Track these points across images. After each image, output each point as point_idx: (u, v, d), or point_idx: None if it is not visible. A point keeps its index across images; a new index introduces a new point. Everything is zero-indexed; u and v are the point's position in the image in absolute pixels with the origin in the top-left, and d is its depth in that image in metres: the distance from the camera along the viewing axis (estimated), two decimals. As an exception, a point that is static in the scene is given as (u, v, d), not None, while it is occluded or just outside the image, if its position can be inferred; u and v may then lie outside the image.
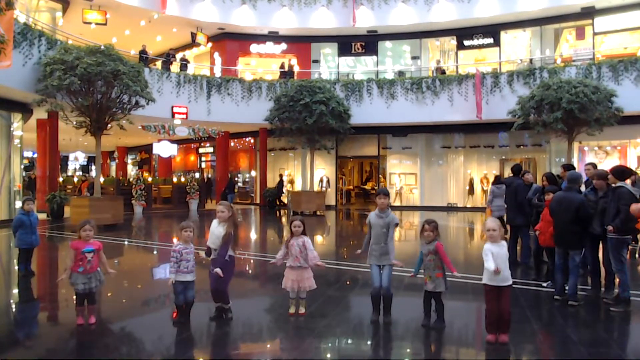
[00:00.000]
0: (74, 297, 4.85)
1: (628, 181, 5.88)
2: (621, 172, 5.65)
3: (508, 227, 8.14)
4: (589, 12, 17.51)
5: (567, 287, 5.57)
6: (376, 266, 4.78)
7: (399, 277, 6.71)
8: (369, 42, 21.15)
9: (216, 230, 4.77)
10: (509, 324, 4.22)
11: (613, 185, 5.57)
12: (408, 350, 4.35)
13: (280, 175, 21.66)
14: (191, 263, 4.74)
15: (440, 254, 4.55)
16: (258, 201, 21.49)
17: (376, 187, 22.45)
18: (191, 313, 4.82)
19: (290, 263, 4.92)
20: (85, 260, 4.71)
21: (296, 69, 20.95)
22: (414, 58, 21.04)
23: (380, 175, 21.65)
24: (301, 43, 21.32)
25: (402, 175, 20.77)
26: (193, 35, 19.99)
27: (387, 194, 4.82)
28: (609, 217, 5.46)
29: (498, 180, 12.01)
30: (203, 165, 26.74)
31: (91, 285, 4.74)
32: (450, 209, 19.32)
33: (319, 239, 12.37)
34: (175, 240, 11.74)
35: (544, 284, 6.34)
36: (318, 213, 17.59)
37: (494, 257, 4.20)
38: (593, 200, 5.79)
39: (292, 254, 4.89)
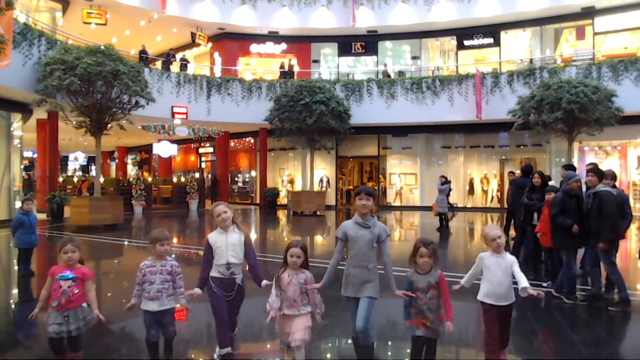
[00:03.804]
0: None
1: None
2: (602, 172, 5.57)
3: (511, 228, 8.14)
4: (589, 12, 17.52)
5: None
6: (352, 300, 3.47)
7: (398, 278, 6.69)
8: (369, 42, 21.16)
9: (230, 238, 3.62)
10: (508, 342, 3.67)
11: (593, 188, 5.50)
12: (408, 350, 4.34)
13: (215, 176, 21.89)
14: (154, 287, 3.55)
15: (442, 289, 3.32)
16: (258, 201, 21.48)
17: (376, 187, 22.46)
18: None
19: (284, 310, 3.41)
20: (59, 291, 3.39)
21: (296, 69, 20.95)
22: (414, 58, 21.04)
23: (380, 175, 21.65)
24: (301, 43, 21.32)
25: (402, 175, 20.77)
26: (193, 35, 20.00)
27: (371, 194, 3.42)
28: (593, 224, 5.40)
29: (446, 180, 12.68)
30: (203, 165, 26.74)
31: (69, 328, 3.42)
32: (450, 209, 19.27)
33: (319, 239, 12.37)
34: (175, 240, 11.72)
35: (544, 284, 6.34)
36: (318, 213, 17.59)
37: (490, 270, 3.50)
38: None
39: (288, 297, 3.39)
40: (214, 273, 3.65)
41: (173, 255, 3.88)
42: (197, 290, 3.59)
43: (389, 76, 19.62)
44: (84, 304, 3.51)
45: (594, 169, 5.61)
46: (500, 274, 3.49)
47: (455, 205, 18.37)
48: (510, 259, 3.54)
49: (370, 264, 3.41)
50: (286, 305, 3.40)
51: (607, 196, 5.30)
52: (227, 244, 3.60)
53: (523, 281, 3.43)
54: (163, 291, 3.56)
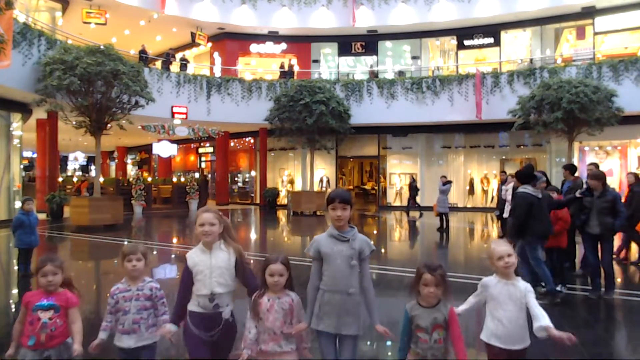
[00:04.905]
0: None
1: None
2: (524, 175, 5.83)
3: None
4: (589, 12, 17.51)
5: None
6: (329, 337, 2.68)
7: (398, 278, 6.67)
8: (369, 42, 21.15)
9: (215, 259, 2.70)
10: None
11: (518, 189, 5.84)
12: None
13: (205, 175, 21.88)
14: (130, 317, 2.81)
15: (453, 330, 2.52)
16: (258, 201, 21.48)
17: (376, 187, 22.46)
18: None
19: (261, 345, 2.64)
20: (37, 325, 2.68)
21: (296, 68, 20.95)
22: (414, 58, 21.04)
23: (380, 175, 21.65)
24: (301, 43, 21.31)
25: (402, 175, 20.77)
26: (193, 35, 19.99)
27: (347, 201, 2.67)
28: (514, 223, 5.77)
29: (447, 180, 12.75)
30: (203, 165, 26.75)
31: None
32: (451, 209, 19.27)
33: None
34: (174, 241, 11.70)
35: (543, 284, 6.32)
36: (318, 213, 17.58)
37: (499, 302, 2.69)
38: (589, 201, 5.85)
39: (267, 327, 2.63)
40: (192, 306, 2.71)
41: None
42: (171, 327, 2.70)
43: (376, 76, 19.66)
44: (69, 339, 2.77)
45: (516, 173, 5.99)
46: (512, 308, 2.65)
47: (417, 205, 18.78)
48: (522, 286, 2.70)
49: (350, 288, 2.64)
50: (264, 340, 2.61)
51: (519, 197, 5.61)
52: (212, 267, 2.67)
53: (542, 317, 2.56)
54: (141, 322, 2.82)
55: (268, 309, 2.62)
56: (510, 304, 2.66)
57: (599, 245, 5.94)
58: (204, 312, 2.67)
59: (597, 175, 5.81)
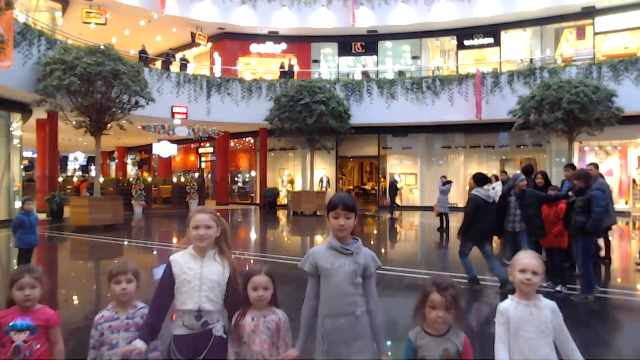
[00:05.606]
0: None
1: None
2: (478, 179, 6.32)
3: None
4: (589, 12, 17.50)
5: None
6: None
7: (397, 278, 6.67)
8: (369, 42, 21.15)
9: (207, 269, 2.31)
10: None
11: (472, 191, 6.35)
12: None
13: (201, 175, 21.84)
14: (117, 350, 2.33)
15: None
16: (258, 201, 21.48)
17: (376, 187, 22.45)
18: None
19: None
20: (9, 348, 2.29)
21: (296, 68, 20.95)
22: (414, 58, 21.04)
23: (380, 176, 21.63)
24: (301, 43, 21.31)
25: (402, 175, 20.77)
26: (193, 35, 19.99)
27: (352, 208, 2.24)
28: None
29: (447, 180, 12.78)
30: (203, 165, 26.75)
31: None
32: (451, 209, 19.26)
33: (319, 239, 12.34)
34: (174, 241, 11.69)
35: (544, 284, 6.32)
36: (318, 213, 17.57)
37: (520, 326, 2.18)
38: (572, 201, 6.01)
39: (253, 351, 2.24)
40: (176, 329, 2.27)
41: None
42: (138, 344, 2.20)
43: (368, 77, 19.69)
44: None
45: (473, 176, 6.48)
46: (534, 334, 2.17)
47: (396, 205, 19.08)
48: (548, 307, 2.22)
49: (358, 308, 2.23)
50: None
51: (470, 199, 6.20)
52: (202, 279, 2.28)
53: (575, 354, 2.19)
54: (131, 357, 2.26)
55: (253, 330, 2.24)
56: (533, 329, 2.17)
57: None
58: (191, 333, 2.25)
59: (578, 175, 5.84)
